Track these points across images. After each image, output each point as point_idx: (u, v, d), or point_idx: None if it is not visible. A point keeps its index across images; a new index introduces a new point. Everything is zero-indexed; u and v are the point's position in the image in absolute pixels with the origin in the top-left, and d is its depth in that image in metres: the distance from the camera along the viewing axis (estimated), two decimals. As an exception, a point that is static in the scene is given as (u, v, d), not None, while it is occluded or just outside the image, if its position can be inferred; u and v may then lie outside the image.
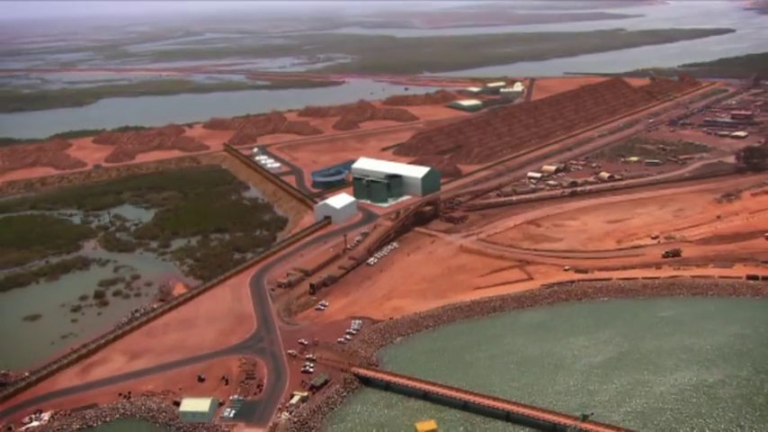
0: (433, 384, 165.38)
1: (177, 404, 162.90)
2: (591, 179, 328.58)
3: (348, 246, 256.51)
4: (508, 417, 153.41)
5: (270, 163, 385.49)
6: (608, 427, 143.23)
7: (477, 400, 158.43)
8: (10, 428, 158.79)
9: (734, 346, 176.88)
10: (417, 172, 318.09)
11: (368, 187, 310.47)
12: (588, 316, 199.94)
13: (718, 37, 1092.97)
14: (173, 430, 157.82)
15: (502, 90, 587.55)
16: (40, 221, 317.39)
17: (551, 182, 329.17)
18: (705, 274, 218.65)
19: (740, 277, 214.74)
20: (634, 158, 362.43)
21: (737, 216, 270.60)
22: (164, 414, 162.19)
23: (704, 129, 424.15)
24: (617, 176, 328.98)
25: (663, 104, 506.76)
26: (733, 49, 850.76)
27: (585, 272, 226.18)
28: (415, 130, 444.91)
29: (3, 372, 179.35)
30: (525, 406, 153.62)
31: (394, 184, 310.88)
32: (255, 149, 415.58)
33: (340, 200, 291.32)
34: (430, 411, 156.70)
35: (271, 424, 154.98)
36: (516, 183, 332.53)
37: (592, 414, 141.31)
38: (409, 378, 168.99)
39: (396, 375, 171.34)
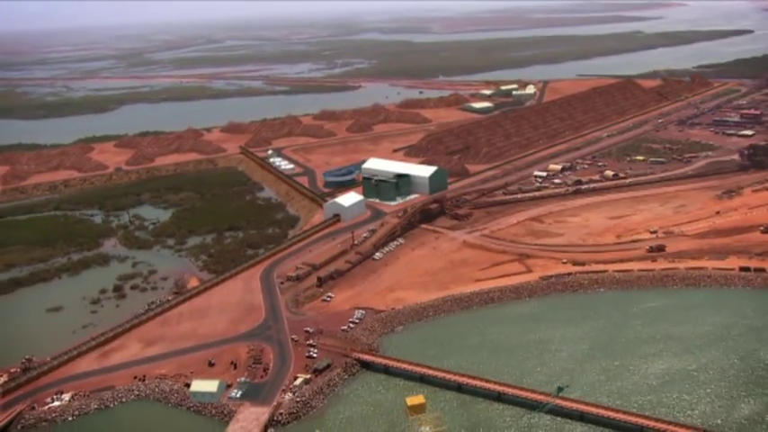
0: (430, 368, 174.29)
1: (188, 386, 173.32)
2: (595, 177, 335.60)
3: (355, 242, 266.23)
4: (499, 397, 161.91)
5: (284, 164, 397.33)
6: (581, 402, 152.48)
7: (471, 381, 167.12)
8: (33, 408, 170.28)
9: (720, 334, 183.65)
10: (425, 171, 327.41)
11: (377, 186, 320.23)
12: (581, 306, 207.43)
13: (735, 38, 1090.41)
14: (183, 410, 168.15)
15: (514, 93, 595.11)
16: (63, 221, 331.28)
17: (556, 180, 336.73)
18: (699, 266, 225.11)
19: (733, 269, 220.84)
20: (640, 157, 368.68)
21: (736, 211, 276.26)
22: (175, 395, 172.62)
23: (712, 128, 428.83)
24: (621, 175, 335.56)
25: (673, 105, 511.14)
26: (750, 49, 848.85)
27: (583, 264, 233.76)
28: (427, 132, 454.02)
29: (27, 357, 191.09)
30: (514, 387, 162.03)
31: (402, 183, 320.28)
32: (270, 152, 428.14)
33: (349, 198, 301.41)
34: (426, 393, 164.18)
35: (275, 403, 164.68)
36: (522, 181, 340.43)
37: (567, 386, 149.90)
38: (407, 362, 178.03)
39: (394, 360, 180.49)
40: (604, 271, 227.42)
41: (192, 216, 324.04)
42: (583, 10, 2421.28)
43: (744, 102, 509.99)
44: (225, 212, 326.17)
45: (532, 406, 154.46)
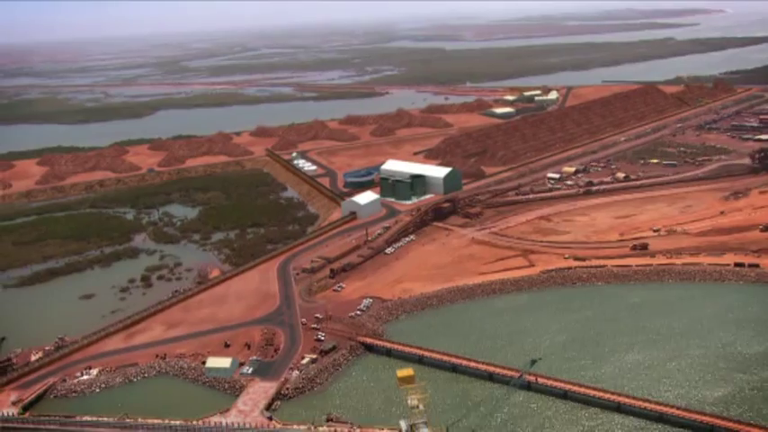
0: (428, 350, 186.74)
1: (204, 363, 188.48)
2: (607, 179, 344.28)
3: (369, 238, 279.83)
4: (490, 377, 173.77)
5: (307, 166, 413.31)
6: (550, 378, 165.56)
7: (464, 362, 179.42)
8: (64, 380, 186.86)
9: (705, 325, 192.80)
10: (439, 172, 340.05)
11: (393, 186, 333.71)
12: (577, 298, 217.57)
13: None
14: (199, 385, 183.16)
15: (537, 98, 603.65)
16: (97, 218, 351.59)
17: (569, 182, 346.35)
18: (695, 262, 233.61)
19: (728, 265, 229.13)
20: (654, 160, 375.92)
21: (740, 212, 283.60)
22: (192, 372, 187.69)
23: (729, 133, 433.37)
24: (632, 177, 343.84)
25: (693, 110, 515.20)
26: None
27: (584, 260, 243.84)
28: (448, 136, 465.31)
29: (60, 336, 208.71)
30: (503, 367, 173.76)
31: (417, 183, 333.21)
32: (294, 154, 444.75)
33: (365, 197, 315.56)
34: (424, 373, 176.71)
35: (282, 379, 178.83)
36: (535, 183, 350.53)
37: (540, 359, 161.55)
38: (407, 345, 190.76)
39: (395, 343, 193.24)
40: (603, 266, 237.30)
41: (218, 214, 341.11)
42: (618, 17, 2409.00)
43: (766, 107, 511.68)
44: (248, 211, 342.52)
45: (522, 385, 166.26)
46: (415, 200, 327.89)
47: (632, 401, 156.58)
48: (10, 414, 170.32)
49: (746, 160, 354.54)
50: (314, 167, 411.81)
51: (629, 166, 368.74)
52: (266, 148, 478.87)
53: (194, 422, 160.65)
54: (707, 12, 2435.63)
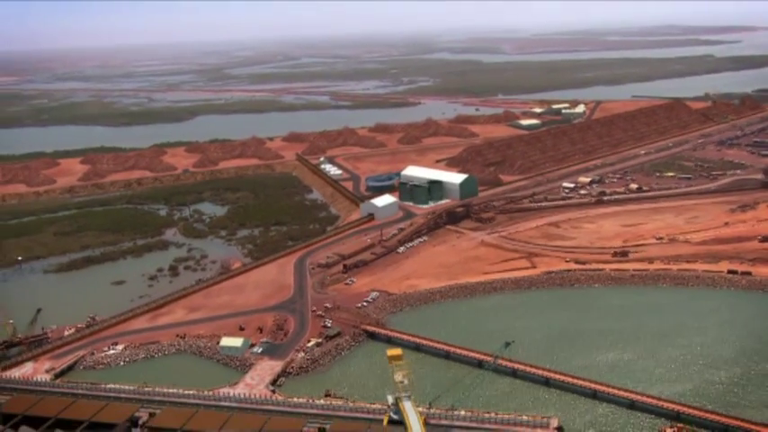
0: (425, 338, 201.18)
1: (219, 343, 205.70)
2: (620, 190, 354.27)
3: (384, 237, 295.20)
4: (480, 364, 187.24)
5: (333, 170, 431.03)
6: (521, 363, 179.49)
7: (457, 350, 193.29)
8: (93, 353, 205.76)
9: (689, 326, 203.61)
10: (456, 178, 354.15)
11: (411, 191, 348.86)
12: (572, 298, 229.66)
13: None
14: (213, 361, 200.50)
15: (564, 111, 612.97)
16: (133, 213, 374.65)
17: (582, 191, 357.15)
18: (691, 268, 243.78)
19: (721, 271, 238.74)
20: (670, 173, 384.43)
21: (745, 223, 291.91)
22: (208, 350, 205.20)
23: (750, 149, 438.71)
24: (645, 188, 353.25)
25: (717, 126, 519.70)
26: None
27: (584, 264, 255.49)
28: (471, 145, 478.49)
29: (91, 316, 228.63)
30: (491, 355, 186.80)
31: (434, 188, 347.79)
32: (322, 159, 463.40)
33: (383, 200, 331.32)
34: (420, 359, 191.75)
35: (288, 359, 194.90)
36: (550, 192, 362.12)
37: (513, 342, 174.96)
38: (406, 333, 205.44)
39: (395, 331, 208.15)
40: (602, 269, 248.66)
41: (245, 212, 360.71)
42: (660, 33, 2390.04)
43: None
44: (274, 210, 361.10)
45: (506, 372, 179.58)
46: (431, 204, 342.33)
47: (607, 389, 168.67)
48: (44, 380, 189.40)
49: (760, 175, 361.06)
50: (339, 172, 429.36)
51: (645, 178, 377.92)
52: (296, 152, 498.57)
53: (205, 392, 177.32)
54: (752, 29, 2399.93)
